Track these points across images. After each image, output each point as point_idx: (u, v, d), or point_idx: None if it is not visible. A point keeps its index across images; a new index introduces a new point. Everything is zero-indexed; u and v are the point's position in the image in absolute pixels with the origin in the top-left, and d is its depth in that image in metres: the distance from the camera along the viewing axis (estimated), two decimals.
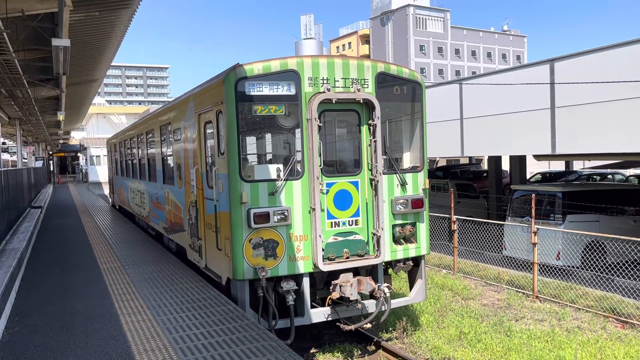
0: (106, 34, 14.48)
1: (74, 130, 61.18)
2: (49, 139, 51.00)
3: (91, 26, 13.34)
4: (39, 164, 42.50)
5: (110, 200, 26.15)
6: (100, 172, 52.12)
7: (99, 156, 54.83)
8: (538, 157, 15.30)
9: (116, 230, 15.12)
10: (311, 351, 8.56)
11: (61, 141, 60.61)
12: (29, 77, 16.86)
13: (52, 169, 57.58)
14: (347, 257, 7.68)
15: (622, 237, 10.53)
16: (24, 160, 35.29)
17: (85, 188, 42.86)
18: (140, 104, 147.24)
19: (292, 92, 7.48)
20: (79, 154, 62.70)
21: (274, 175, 7.43)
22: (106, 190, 38.13)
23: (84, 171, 58.97)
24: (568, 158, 23.68)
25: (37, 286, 8.67)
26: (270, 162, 9.12)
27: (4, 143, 55.49)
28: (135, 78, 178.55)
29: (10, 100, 21.70)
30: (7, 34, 11.32)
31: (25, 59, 14.48)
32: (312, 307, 7.84)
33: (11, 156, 60.10)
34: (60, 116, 24.34)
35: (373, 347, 8.70)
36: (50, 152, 61.74)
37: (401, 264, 8.42)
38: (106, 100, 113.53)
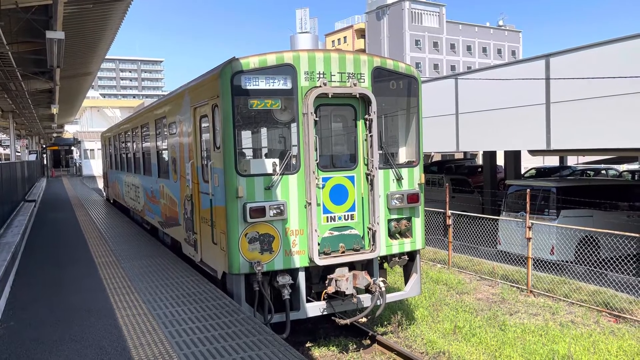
0: (100, 27, 14.39)
1: (67, 124, 60.81)
2: (43, 132, 50.72)
3: (85, 19, 13.24)
4: (33, 157, 42.30)
5: (104, 194, 26.05)
6: (95, 166, 51.85)
7: (92, 150, 54.53)
8: (533, 153, 15.38)
9: (111, 224, 15.07)
10: (307, 345, 8.59)
11: (55, 134, 60.29)
12: (22, 70, 16.74)
13: (45, 162, 57.27)
14: (343, 252, 7.69)
15: (615, 232, 10.60)
16: (17, 153, 35.08)
17: (79, 182, 42.67)
18: (134, 97, 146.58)
19: (288, 86, 7.46)
20: (72, 148, 62.38)
21: (269, 170, 7.42)
22: (100, 184, 37.97)
23: (77, 165, 58.69)
24: (563, 153, 23.80)
25: (32, 280, 8.64)
26: (266, 156, 9.11)
27: None
28: (130, 71, 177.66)
29: (4, 93, 21.55)
30: (1, 27, 11.22)
31: (18, 52, 14.36)
32: (308, 301, 7.84)
33: (4, 149, 59.72)
34: (54, 109, 24.21)
35: (368, 341, 8.73)
36: (44, 146, 61.41)
37: (396, 258, 8.44)
38: (100, 94, 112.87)
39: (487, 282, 12.35)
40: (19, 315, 6.79)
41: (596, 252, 11.78)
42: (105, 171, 23.81)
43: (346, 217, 7.81)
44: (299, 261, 7.54)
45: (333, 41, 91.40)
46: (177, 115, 9.82)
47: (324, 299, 7.87)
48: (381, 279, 8.06)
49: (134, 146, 15.14)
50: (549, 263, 12.61)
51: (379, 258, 8.20)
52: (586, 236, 12.11)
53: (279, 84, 7.42)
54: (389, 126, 8.78)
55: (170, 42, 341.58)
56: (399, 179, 8.22)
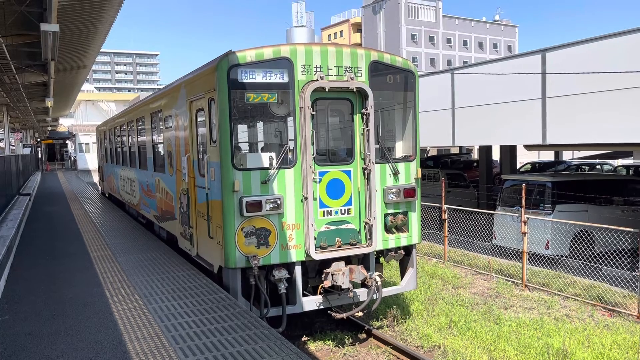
0: (95, 19, 14.28)
1: (62, 117, 60.44)
2: (37, 125, 50.39)
3: (80, 11, 13.14)
4: (27, 151, 42.08)
5: (99, 188, 25.97)
6: (90, 160, 51.61)
7: (88, 143, 54.27)
8: (528, 147, 15.40)
9: (106, 218, 15.03)
10: (303, 339, 8.60)
11: (49, 128, 59.92)
12: (16, 63, 16.62)
13: (40, 156, 57.00)
14: (339, 246, 7.69)
15: (610, 226, 10.64)
16: (11, 147, 34.88)
17: (74, 175, 42.51)
18: (129, 91, 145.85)
19: (285, 80, 7.44)
20: (67, 141, 62.10)
21: (266, 164, 7.40)
22: (95, 178, 37.85)
23: (72, 158, 58.43)
24: (558, 148, 23.87)
25: (27, 274, 8.61)
26: (263, 150, 9.08)
27: None
28: (125, 65, 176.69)
29: None
30: None
31: (12, 44, 14.25)
32: (304, 295, 7.85)
33: None
34: (49, 102, 24.04)
35: (364, 335, 8.76)
36: (39, 139, 61.07)
37: (393, 252, 8.45)
38: (95, 87, 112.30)
39: (483, 277, 12.40)
40: (14, 309, 6.76)
41: (591, 247, 11.83)
42: (101, 165, 23.73)
43: (343, 212, 7.81)
44: (296, 255, 7.54)
45: (329, 35, 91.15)
46: (173, 108, 9.78)
47: (320, 293, 7.88)
48: (377, 273, 8.09)
49: (130, 140, 15.08)
50: (544, 257, 12.66)
51: (375, 252, 8.21)
52: (581, 231, 12.16)
53: (275, 77, 7.39)
54: (386, 120, 8.77)
55: (165, 35, 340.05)
56: (395, 173, 8.22)
